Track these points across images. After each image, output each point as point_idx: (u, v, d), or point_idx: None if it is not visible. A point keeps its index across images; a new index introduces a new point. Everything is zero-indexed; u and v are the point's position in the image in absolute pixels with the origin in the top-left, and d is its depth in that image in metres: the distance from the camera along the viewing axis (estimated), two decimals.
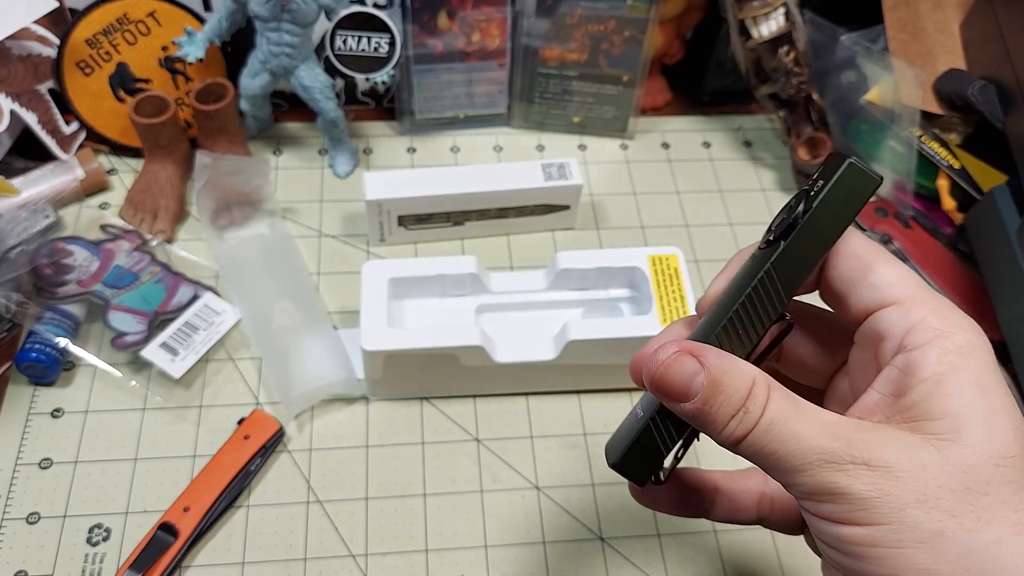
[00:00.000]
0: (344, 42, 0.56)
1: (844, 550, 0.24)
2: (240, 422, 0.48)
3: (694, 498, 0.33)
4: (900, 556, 0.23)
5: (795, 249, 0.26)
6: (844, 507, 0.23)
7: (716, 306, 0.28)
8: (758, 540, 0.46)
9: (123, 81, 0.59)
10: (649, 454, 0.29)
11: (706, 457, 0.47)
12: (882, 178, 0.25)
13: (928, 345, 0.24)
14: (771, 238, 0.26)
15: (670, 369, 0.25)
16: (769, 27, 0.58)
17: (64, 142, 0.58)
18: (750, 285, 0.26)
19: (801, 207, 0.26)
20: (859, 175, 0.25)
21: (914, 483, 0.23)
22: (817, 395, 0.30)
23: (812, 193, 0.26)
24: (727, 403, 0.25)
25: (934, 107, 0.60)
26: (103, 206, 0.58)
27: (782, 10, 0.58)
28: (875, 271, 0.26)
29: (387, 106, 0.66)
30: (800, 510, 0.26)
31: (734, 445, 0.25)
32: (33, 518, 0.44)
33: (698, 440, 0.29)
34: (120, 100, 0.59)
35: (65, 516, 0.44)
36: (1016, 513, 0.23)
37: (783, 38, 0.58)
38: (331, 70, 0.58)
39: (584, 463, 0.48)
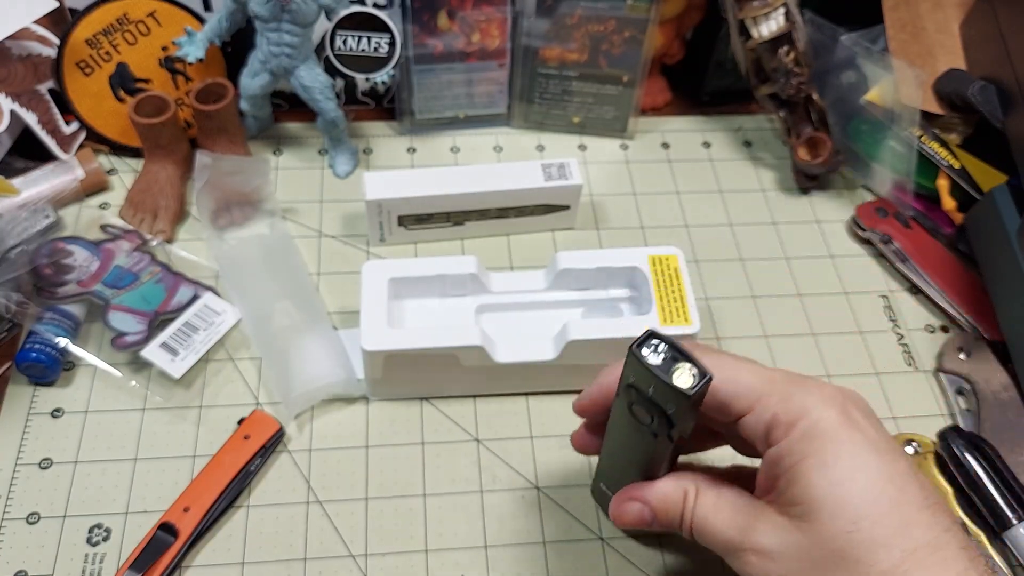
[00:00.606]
0: (344, 42, 0.56)
1: None
2: (240, 422, 0.48)
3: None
4: None
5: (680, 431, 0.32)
6: None
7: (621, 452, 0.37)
8: None
9: (123, 81, 0.59)
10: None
11: None
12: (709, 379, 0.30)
13: (785, 439, 0.30)
14: (656, 434, 0.33)
15: (625, 515, 0.36)
16: (769, 27, 0.58)
17: (64, 142, 0.58)
18: (662, 452, 0.34)
19: (666, 420, 0.31)
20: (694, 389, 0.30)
21: (787, 563, 0.29)
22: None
23: (670, 412, 0.31)
24: (670, 516, 0.34)
25: (934, 107, 0.60)
26: (103, 206, 0.58)
27: (782, 10, 0.58)
28: (720, 390, 0.31)
29: (387, 106, 0.66)
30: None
31: (689, 537, 0.34)
32: (33, 518, 0.44)
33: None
34: (120, 100, 0.59)
35: (65, 516, 0.44)
36: (868, 568, 0.27)
37: (783, 38, 0.58)
38: (331, 70, 0.58)
39: (584, 463, 0.48)
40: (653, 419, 0.32)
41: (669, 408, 0.30)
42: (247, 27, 0.57)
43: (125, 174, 0.60)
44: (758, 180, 0.64)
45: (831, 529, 0.28)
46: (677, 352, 0.30)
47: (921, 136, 0.60)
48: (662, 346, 0.30)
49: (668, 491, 0.34)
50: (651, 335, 0.30)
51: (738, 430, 0.32)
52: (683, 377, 0.29)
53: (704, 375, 0.29)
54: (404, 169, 0.62)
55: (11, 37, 0.55)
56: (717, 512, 0.32)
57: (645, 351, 0.30)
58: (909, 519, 0.28)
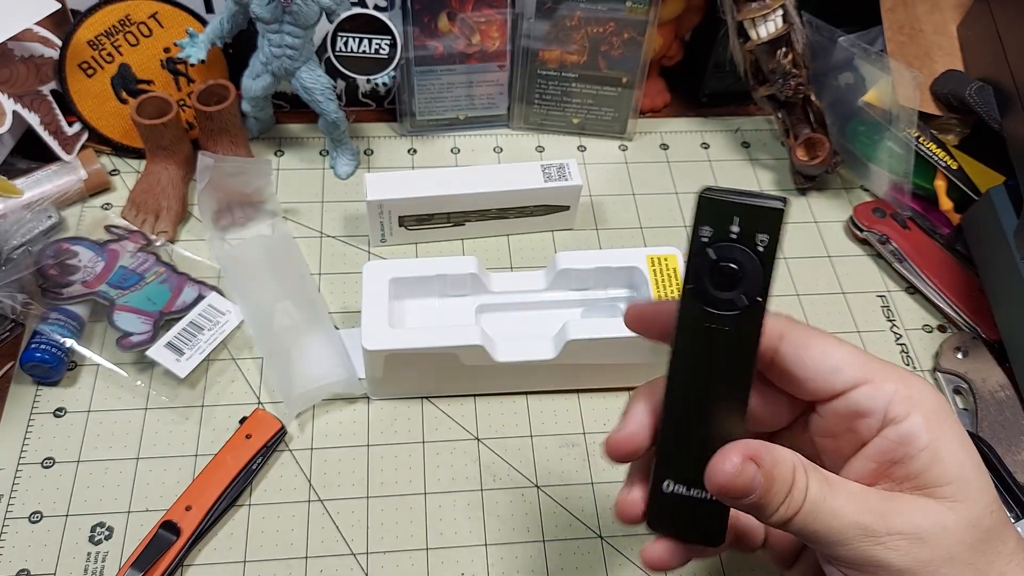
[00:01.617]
0: (345, 44, 0.56)
1: None
2: (242, 421, 0.48)
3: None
4: None
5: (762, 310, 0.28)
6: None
7: (702, 389, 0.29)
8: None
9: (125, 82, 0.59)
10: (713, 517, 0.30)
11: None
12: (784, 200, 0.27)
13: (912, 417, 0.28)
14: (746, 303, 0.27)
15: (737, 479, 0.27)
16: (767, 29, 0.58)
17: (66, 143, 0.58)
18: (749, 351, 0.28)
19: (756, 264, 0.27)
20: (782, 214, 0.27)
21: (941, 545, 0.27)
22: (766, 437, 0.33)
23: (761, 248, 0.27)
24: (778, 494, 0.27)
25: (932, 108, 0.61)
26: (105, 207, 0.58)
27: (780, 12, 0.58)
28: (831, 355, 0.29)
29: (388, 107, 0.67)
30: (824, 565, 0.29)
31: (781, 525, 0.27)
32: (36, 517, 0.44)
33: None
34: (122, 101, 0.60)
35: (67, 515, 0.44)
36: (1006, 545, 0.27)
37: (781, 40, 0.58)
38: (332, 72, 0.58)
39: (584, 462, 0.48)
40: (740, 279, 0.27)
41: (761, 240, 0.26)
42: (249, 29, 0.57)
43: (127, 175, 0.60)
44: (756, 181, 0.65)
45: (981, 506, 0.27)
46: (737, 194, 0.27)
47: (919, 137, 0.60)
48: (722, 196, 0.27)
49: (783, 458, 0.27)
50: (707, 191, 0.27)
51: (830, 408, 0.29)
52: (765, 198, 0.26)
53: (780, 198, 0.26)
54: (405, 170, 0.63)
55: (14, 38, 0.55)
56: (835, 490, 0.27)
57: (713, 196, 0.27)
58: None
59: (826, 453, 0.31)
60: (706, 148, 0.67)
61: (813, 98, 0.61)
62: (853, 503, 0.27)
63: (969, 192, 0.58)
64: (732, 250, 0.27)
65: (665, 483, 0.30)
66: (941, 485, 0.27)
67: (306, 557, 0.44)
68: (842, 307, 0.57)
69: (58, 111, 0.58)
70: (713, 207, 0.27)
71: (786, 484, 0.27)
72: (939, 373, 0.53)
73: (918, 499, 0.27)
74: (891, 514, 0.27)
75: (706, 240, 0.27)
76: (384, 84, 0.58)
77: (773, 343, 0.29)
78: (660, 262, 0.50)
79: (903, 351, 0.55)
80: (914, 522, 0.27)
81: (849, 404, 0.29)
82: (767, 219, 0.27)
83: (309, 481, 0.47)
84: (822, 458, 0.31)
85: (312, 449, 0.48)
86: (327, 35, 0.56)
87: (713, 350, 0.28)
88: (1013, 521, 0.44)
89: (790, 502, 0.27)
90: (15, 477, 0.46)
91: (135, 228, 0.55)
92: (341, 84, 0.64)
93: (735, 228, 0.27)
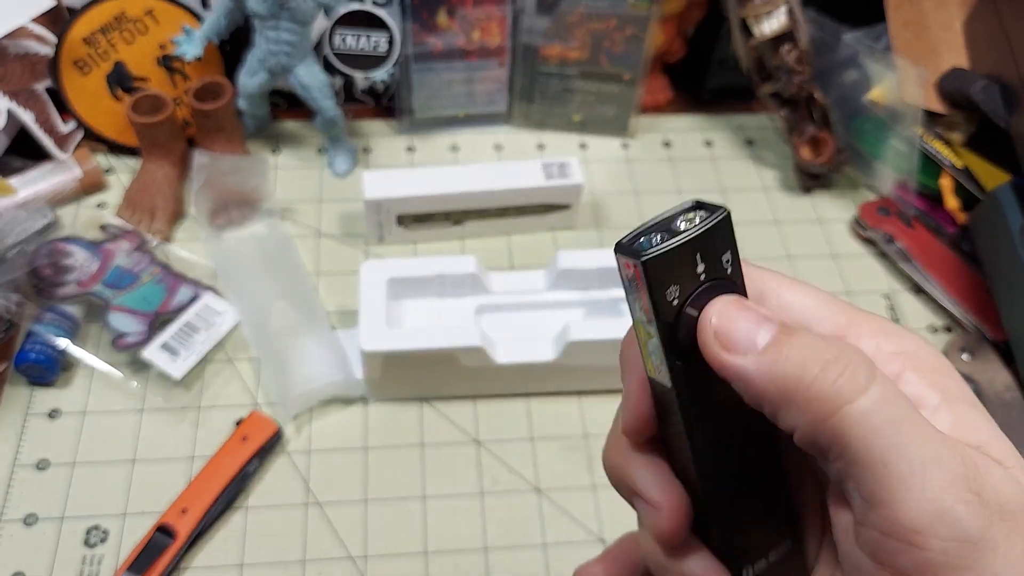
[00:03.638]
0: (343, 40, 0.55)
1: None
2: (238, 423, 0.48)
3: None
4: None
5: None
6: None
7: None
8: None
9: (120, 80, 0.59)
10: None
11: None
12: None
13: (906, 375, 0.20)
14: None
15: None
16: (771, 25, 0.58)
17: (61, 141, 0.58)
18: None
19: (734, 285, 0.21)
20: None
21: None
22: None
23: (729, 269, 0.21)
24: (856, 372, 0.18)
25: (937, 106, 0.60)
26: (100, 206, 0.58)
27: (784, 8, 0.57)
28: (789, 305, 0.22)
29: (386, 105, 0.66)
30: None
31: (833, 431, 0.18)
32: (30, 520, 0.44)
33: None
34: (117, 99, 0.59)
35: (62, 518, 0.44)
36: None
37: (785, 36, 0.58)
38: (330, 68, 0.58)
39: (585, 465, 0.48)
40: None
41: (725, 260, 0.21)
42: (245, 25, 0.56)
43: (122, 173, 0.60)
44: (760, 179, 0.64)
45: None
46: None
47: (924, 135, 0.59)
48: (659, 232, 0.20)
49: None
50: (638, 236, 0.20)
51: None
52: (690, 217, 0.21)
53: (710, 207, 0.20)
54: (403, 168, 0.62)
55: (8, 36, 0.55)
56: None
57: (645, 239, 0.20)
58: None
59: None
60: (709, 146, 0.66)
61: (817, 95, 0.60)
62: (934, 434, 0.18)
63: (975, 191, 0.58)
64: (709, 290, 0.21)
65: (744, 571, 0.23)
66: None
67: (303, 561, 0.43)
68: None
69: (53, 109, 0.58)
70: (663, 262, 0.20)
71: (864, 368, 0.19)
72: None
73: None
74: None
75: (676, 301, 0.20)
76: (382, 81, 0.58)
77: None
78: None
79: None
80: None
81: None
82: (722, 232, 0.21)
83: (307, 484, 0.46)
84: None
85: (309, 451, 0.47)
86: (324, 31, 0.55)
87: (731, 408, 0.21)
88: None
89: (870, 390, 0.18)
90: (9, 479, 0.45)
91: (130, 227, 0.55)
92: (339, 81, 0.63)
93: (700, 267, 0.21)
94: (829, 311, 0.21)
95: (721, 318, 0.20)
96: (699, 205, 0.21)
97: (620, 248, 0.20)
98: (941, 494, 0.17)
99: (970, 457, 0.18)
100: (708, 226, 0.20)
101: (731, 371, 0.20)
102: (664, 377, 0.21)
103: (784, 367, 0.19)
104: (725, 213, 0.20)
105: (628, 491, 0.23)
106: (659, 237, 0.20)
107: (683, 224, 0.20)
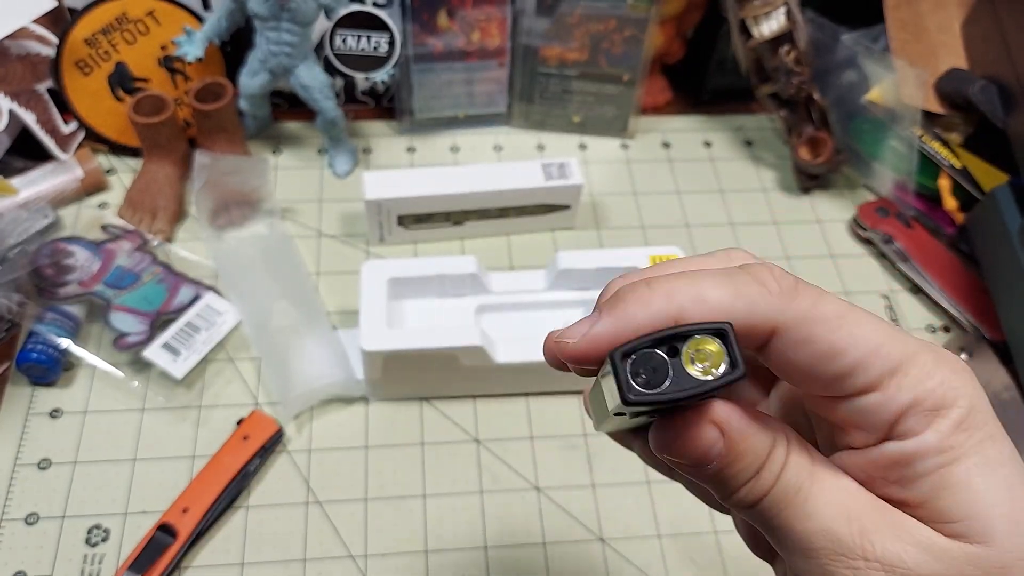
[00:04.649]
0: (343, 41, 0.56)
1: None
2: (239, 423, 0.48)
3: None
4: None
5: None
6: None
7: None
8: None
9: (122, 80, 0.59)
10: None
11: None
12: None
13: (923, 433, 0.20)
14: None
15: (694, 441, 0.21)
16: (770, 26, 0.58)
17: (63, 142, 0.58)
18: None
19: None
20: None
21: None
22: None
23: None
24: (742, 471, 0.21)
25: (935, 107, 0.60)
26: (102, 206, 0.58)
27: (783, 9, 0.57)
28: (841, 351, 0.21)
29: (386, 105, 0.66)
30: None
31: (744, 510, 0.22)
32: (32, 519, 0.44)
33: None
34: (119, 99, 0.59)
35: (64, 517, 0.44)
36: None
37: (784, 37, 0.58)
38: (330, 69, 0.58)
39: (584, 464, 0.48)
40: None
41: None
42: (246, 26, 0.57)
43: (124, 174, 0.60)
44: (759, 180, 0.64)
45: (1005, 550, 0.20)
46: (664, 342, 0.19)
47: (922, 136, 0.59)
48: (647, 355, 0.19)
49: (759, 428, 0.21)
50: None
51: (839, 411, 0.21)
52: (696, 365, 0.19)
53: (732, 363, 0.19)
54: (404, 169, 0.62)
55: (10, 36, 0.55)
56: (817, 485, 0.21)
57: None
58: None
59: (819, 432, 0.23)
60: (708, 147, 0.66)
61: (816, 96, 0.60)
62: (833, 506, 0.20)
63: (973, 191, 0.58)
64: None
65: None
66: (951, 520, 0.20)
67: (304, 559, 0.44)
68: None
69: (54, 109, 0.58)
70: (648, 402, 0.19)
71: (756, 460, 0.21)
72: None
73: (917, 526, 0.21)
74: (872, 532, 0.20)
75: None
76: (383, 82, 0.58)
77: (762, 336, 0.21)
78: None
79: None
80: (897, 551, 0.20)
81: (847, 413, 0.21)
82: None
83: (307, 483, 0.46)
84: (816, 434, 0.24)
85: (310, 451, 0.47)
86: (325, 32, 0.55)
87: None
88: None
89: (755, 483, 0.21)
90: (11, 479, 0.45)
91: (132, 227, 0.55)
92: (339, 82, 0.64)
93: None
94: (881, 347, 0.21)
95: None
96: (723, 336, 0.19)
97: (615, 366, 0.19)
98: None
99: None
100: (714, 387, 0.19)
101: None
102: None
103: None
104: (741, 374, 0.19)
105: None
106: (662, 372, 0.19)
107: (696, 370, 0.19)
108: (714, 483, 0.22)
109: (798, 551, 0.21)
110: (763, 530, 0.22)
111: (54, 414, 0.48)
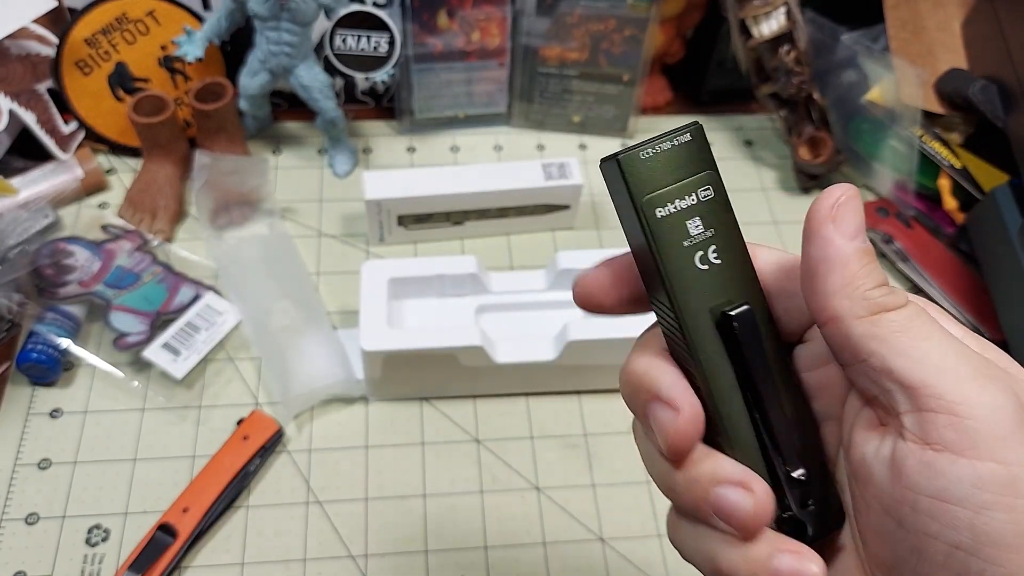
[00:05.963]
0: (343, 41, 0.56)
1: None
2: (239, 422, 0.48)
3: None
4: None
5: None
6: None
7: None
8: None
9: (122, 80, 0.59)
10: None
11: None
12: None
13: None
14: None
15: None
16: (770, 26, 0.58)
17: (63, 142, 0.58)
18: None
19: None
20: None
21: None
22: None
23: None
24: None
25: (935, 106, 0.60)
26: (102, 206, 0.58)
27: (783, 9, 0.57)
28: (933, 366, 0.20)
29: (386, 105, 0.66)
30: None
31: None
32: (32, 519, 0.44)
33: None
34: (119, 99, 0.59)
35: (64, 517, 0.44)
36: None
37: (784, 37, 0.58)
38: (330, 69, 0.58)
39: (584, 464, 0.48)
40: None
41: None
42: (246, 26, 0.57)
43: (124, 174, 0.60)
44: (759, 179, 0.64)
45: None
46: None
47: (922, 135, 0.59)
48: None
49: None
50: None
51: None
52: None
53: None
54: (404, 169, 0.62)
55: (10, 36, 0.55)
56: None
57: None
58: None
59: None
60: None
61: (816, 96, 0.60)
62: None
63: (973, 191, 0.58)
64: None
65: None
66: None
67: (304, 559, 0.44)
68: None
69: (54, 109, 0.58)
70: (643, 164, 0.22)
71: None
72: None
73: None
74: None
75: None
76: (383, 82, 0.58)
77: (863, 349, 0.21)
78: None
79: None
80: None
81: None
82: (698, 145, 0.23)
83: (307, 483, 0.46)
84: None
85: (310, 450, 0.47)
86: (325, 32, 0.55)
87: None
88: None
89: None
90: (11, 479, 0.45)
91: (132, 227, 0.55)
92: (339, 82, 0.64)
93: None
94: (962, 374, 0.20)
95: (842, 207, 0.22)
96: (687, 127, 0.24)
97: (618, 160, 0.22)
98: (976, 376, 0.19)
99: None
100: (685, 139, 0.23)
101: (831, 249, 0.22)
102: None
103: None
104: (684, 137, 0.24)
105: (646, 398, 0.23)
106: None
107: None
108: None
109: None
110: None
111: (54, 414, 0.48)
